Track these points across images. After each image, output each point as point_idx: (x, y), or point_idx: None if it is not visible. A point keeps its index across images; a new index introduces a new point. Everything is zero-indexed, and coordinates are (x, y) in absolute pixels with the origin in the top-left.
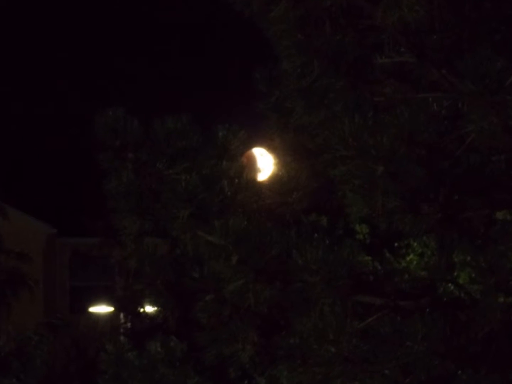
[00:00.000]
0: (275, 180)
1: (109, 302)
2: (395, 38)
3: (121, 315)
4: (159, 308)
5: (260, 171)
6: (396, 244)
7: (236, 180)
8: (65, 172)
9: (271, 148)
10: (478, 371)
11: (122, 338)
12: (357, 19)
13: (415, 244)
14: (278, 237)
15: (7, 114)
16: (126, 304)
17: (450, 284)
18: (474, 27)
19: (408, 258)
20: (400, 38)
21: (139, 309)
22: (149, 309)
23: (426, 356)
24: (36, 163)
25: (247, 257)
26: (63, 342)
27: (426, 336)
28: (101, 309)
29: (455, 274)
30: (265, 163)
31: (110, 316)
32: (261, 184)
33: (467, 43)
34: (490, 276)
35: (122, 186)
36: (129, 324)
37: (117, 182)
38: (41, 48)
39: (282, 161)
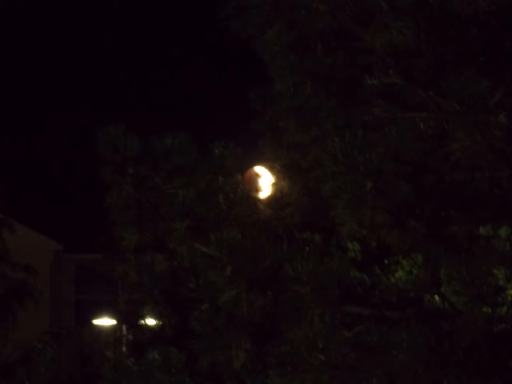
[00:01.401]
0: (269, 195)
1: (112, 315)
2: (384, 60)
3: (124, 327)
4: (157, 316)
5: (261, 190)
6: (386, 261)
7: (232, 195)
8: (70, 192)
9: (270, 167)
10: (460, 379)
11: (124, 348)
12: (348, 42)
13: (404, 262)
14: (271, 250)
15: (11, 127)
16: (128, 317)
17: (435, 296)
18: (459, 50)
19: (397, 275)
20: (388, 60)
21: (140, 321)
22: (150, 322)
23: (411, 364)
24: (43, 182)
25: (240, 268)
26: (68, 350)
27: (411, 345)
28: (105, 321)
29: (442, 289)
30: (265, 182)
31: (113, 328)
32: (255, 199)
33: (452, 64)
34: (473, 289)
35: (121, 199)
36: (130, 336)
37: (117, 196)
38: (40, 51)
39: (276, 177)
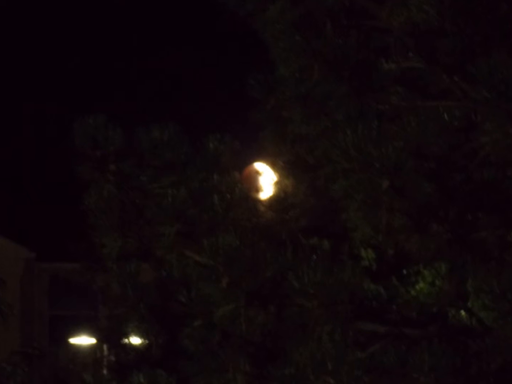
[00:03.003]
0: (270, 196)
1: (92, 332)
2: (402, 41)
3: (105, 347)
4: (143, 334)
5: (261, 190)
6: (404, 272)
7: (228, 196)
8: (43, 191)
9: (272, 163)
10: None
11: (105, 371)
12: (360, 20)
13: (425, 272)
14: (273, 258)
15: None
16: (110, 335)
17: (461, 311)
18: (488, 29)
19: (417, 287)
20: (408, 41)
21: (124, 340)
22: (135, 340)
23: None
24: (12, 182)
25: (238, 279)
26: (40, 374)
27: (434, 367)
28: (83, 340)
29: (469, 303)
30: (267, 181)
31: (92, 347)
32: (255, 200)
33: (481, 46)
34: (505, 303)
35: (102, 201)
36: (112, 357)
37: (97, 196)
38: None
39: (279, 175)
